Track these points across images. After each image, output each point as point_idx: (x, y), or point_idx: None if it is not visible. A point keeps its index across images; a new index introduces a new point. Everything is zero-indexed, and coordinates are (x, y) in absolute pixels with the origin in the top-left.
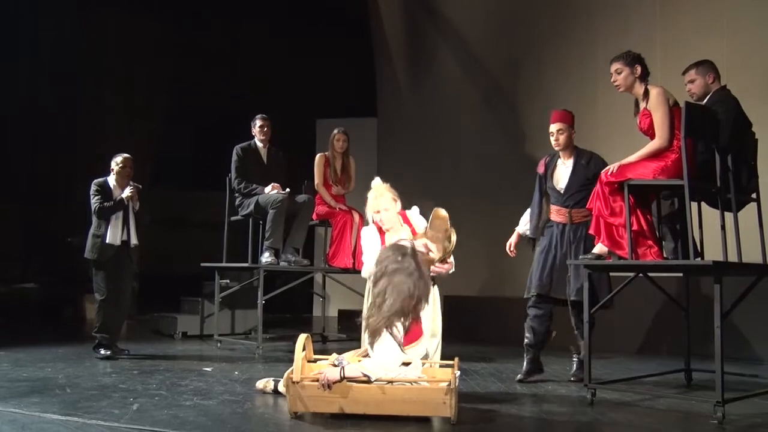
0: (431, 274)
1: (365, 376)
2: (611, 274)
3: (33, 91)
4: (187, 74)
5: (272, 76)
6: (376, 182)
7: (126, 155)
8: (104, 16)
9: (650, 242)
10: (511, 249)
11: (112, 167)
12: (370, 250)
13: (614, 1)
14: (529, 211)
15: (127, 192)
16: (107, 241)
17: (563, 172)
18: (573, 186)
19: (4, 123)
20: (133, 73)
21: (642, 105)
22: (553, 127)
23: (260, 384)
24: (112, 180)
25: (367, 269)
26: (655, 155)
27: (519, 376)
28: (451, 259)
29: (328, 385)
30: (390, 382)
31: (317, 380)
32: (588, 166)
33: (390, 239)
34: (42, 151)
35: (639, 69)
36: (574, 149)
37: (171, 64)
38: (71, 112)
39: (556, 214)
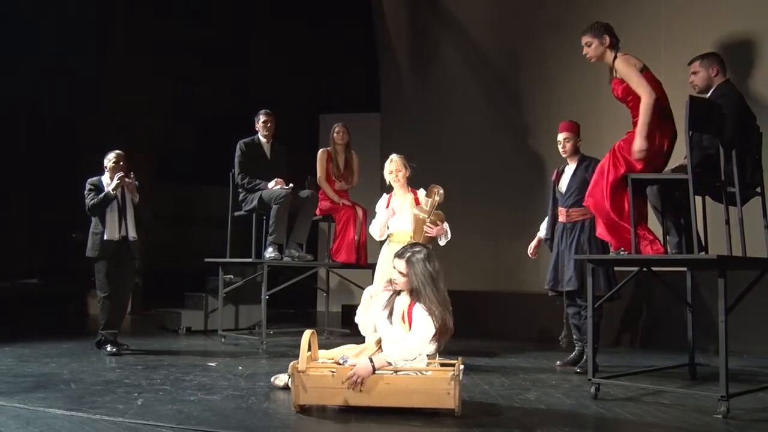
0: (426, 234)
1: (389, 364)
2: (619, 268)
3: (36, 88)
4: (191, 70)
5: (276, 71)
6: (393, 156)
7: (118, 151)
8: (106, 13)
9: (651, 237)
10: (532, 251)
11: (105, 165)
12: (380, 211)
13: None
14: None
15: (114, 183)
16: (106, 238)
17: (567, 175)
18: (571, 187)
19: (7, 119)
20: (137, 69)
21: (615, 73)
22: (560, 136)
23: (277, 381)
24: (106, 178)
25: (373, 228)
26: (651, 119)
27: (558, 362)
28: (446, 227)
29: (361, 382)
30: (396, 371)
31: (331, 369)
32: (587, 170)
33: (395, 201)
34: (45, 146)
35: (608, 38)
36: (579, 155)
37: (174, 60)
38: (74, 107)
39: (560, 214)
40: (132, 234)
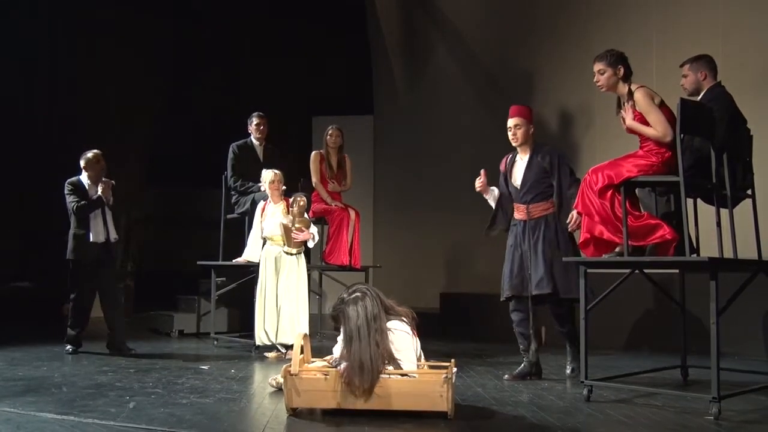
0: (294, 240)
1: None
2: (611, 270)
3: (30, 89)
4: (184, 71)
5: (269, 73)
6: (276, 171)
7: (95, 151)
8: (101, 13)
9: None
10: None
11: (83, 165)
12: (255, 224)
13: None
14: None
15: (101, 188)
16: (91, 240)
17: (520, 168)
18: (528, 181)
19: (1, 121)
20: (130, 70)
21: (627, 105)
22: (511, 122)
23: (275, 381)
24: (85, 178)
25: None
26: (650, 148)
27: (506, 376)
28: (313, 231)
29: None
30: (389, 374)
31: (324, 373)
32: (543, 160)
33: (269, 208)
34: (39, 149)
35: (622, 69)
36: (532, 145)
37: (168, 61)
38: (68, 109)
39: (517, 211)
40: (113, 235)
